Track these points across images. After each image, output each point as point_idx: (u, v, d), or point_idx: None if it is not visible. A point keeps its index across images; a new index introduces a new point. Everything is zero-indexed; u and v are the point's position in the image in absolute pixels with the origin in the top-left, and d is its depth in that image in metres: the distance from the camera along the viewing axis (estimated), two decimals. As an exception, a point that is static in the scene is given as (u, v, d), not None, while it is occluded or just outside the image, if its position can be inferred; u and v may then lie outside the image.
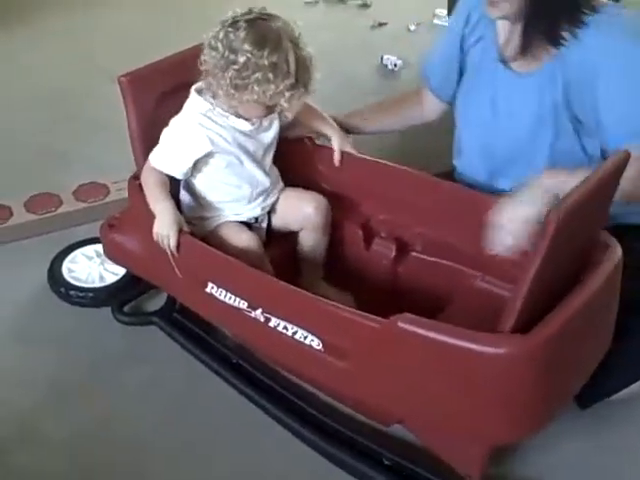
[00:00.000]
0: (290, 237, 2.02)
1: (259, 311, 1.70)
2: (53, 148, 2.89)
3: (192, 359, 2.05)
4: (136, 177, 1.96)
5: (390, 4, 4.05)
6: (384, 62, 3.50)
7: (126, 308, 2.20)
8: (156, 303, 2.21)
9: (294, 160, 2.02)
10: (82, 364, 2.07)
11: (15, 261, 2.39)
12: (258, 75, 1.68)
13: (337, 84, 3.13)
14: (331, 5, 4.06)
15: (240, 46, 1.70)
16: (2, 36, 3.61)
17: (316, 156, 2.06)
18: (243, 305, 1.73)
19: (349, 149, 2.03)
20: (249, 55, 1.69)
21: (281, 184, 2.02)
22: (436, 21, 3.87)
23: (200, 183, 1.91)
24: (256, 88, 1.70)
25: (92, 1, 3.96)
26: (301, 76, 1.72)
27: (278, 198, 2.00)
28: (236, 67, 1.70)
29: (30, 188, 2.60)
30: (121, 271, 2.26)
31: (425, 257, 1.97)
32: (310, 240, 2.00)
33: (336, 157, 2.02)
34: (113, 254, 2.18)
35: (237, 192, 1.92)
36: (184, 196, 1.95)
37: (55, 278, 2.27)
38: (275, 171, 2.00)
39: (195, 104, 1.83)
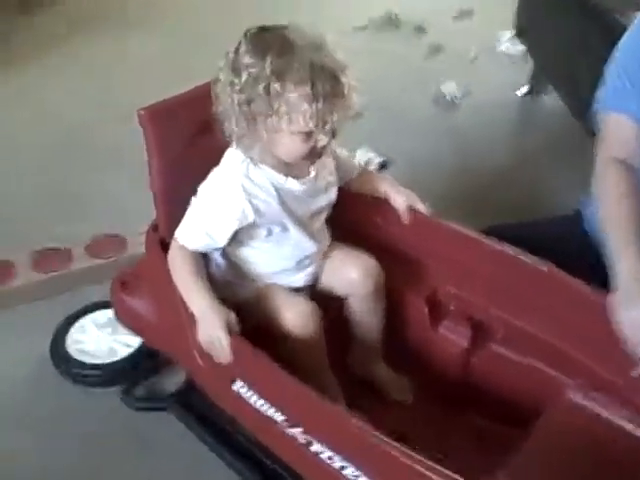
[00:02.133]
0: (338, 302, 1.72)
1: (298, 430, 1.44)
2: (65, 190, 2.64)
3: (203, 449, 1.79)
4: (155, 228, 1.72)
5: (448, 28, 3.78)
6: (442, 92, 3.23)
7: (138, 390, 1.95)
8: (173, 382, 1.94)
9: (349, 213, 1.71)
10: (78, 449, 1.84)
11: (15, 329, 2.13)
12: (260, 87, 1.34)
13: (385, 118, 2.80)
14: (382, 30, 3.78)
15: (241, 62, 1.37)
16: (16, 67, 3.36)
17: (376, 210, 1.77)
18: (278, 418, 1.46)
19: (420, 207, 1.71)
20: (251, 69, 1.36)
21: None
22: (499, 46, 3.59)
23: (233, 251, 1.59)
24: (263, 107, 1.35)
25: (120, 25, 3.68)
26: (321, 84, 1.34)
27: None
28: (238, 88, 1.37)
29: (38, 238, 2.35)
30: (135, 343, 1.99)
31: (507, 352, 1.66)
32: (358, 310, 1.70)
33: (403, 215, 1.71)
34: (124, 318, 1.91)
35: (278, 264, 1.61)
36: (215, 257, 1.62)
37: (58, 351, 2.00)
38: (325, 235, 1.68)
39: (233, 159, 1.50)
